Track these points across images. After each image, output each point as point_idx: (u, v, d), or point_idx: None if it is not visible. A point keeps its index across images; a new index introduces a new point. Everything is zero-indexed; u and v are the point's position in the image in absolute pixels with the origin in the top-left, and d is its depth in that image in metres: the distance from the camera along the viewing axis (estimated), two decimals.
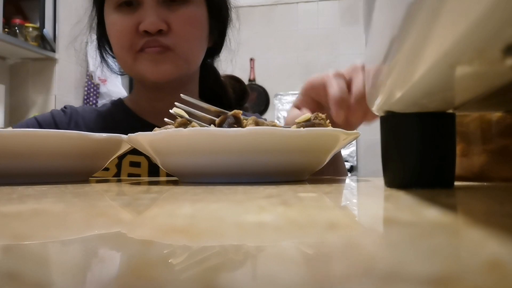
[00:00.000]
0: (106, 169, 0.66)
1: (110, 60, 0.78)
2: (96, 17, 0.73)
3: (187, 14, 0.65)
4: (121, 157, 0.67)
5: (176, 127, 0.40)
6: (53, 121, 0.72)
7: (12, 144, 0.40)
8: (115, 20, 0.66)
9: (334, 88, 0.50)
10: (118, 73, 0.81)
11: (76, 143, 0.42)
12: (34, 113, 2.33)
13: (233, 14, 0.76)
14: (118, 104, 0.77)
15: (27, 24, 2.21)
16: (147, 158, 0.67)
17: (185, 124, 0.40)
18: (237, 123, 0.39)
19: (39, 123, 0.71)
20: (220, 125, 0.40)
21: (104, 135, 0.44)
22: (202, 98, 0.76)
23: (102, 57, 0.77)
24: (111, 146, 0.46)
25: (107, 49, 0.76)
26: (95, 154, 0.45)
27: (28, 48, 2.16)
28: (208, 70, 0.78)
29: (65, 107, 0.76)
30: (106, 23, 0.69)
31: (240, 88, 0.83)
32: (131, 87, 3.06)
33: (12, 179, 0.41)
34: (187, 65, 0.68)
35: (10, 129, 0.41)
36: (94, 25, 0.74)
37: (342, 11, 2.92)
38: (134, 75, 0.70)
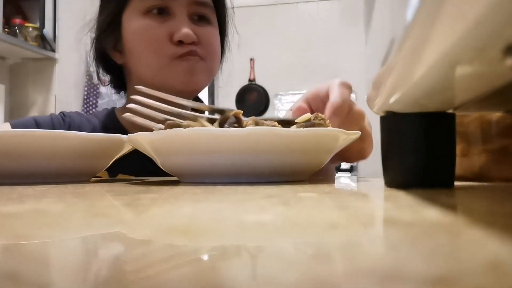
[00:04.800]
0: (110, 180, 0.66)
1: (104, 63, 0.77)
2: (109, 19, 0.72)
3: (210, 32, 0.71)
4: (112, 175, 0.67)
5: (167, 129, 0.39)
6: (52, 125, 0.72)
7: (11, 145, 0.40)
8: (146, 26, 0.67)
9: (336, 94, 0.50)
10: (106, 83, 0.81)
11: (75, 143, 0.42)
12: (34, 113, 2.33)
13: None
14: (111, 117, 0.76)
15: (27, 24, 2.21)
16: (137, 177, 0.67)
17: (176, 126, 0.40)
18: (238, 123, 0.39)
19: (37, 124, 0.71)
20: (221, 125, 0.40)
21: (104, 135, 0.44)
22: None
23: (99, 57, 0.76)
24: (112, 146, 0.46)
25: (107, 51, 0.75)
26: (96, 154, 0.45)
27: (28, 48, 2.16)
28: None
29: (63, 114, 0.75)
30: (132, 27, 0.69)
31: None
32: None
33: (12, 179, 0.41)
34: (211, 78, 0.72)
35: (8, 129, 0.41)
36: (103, 26, 0.73)
37: (342, 11, 2.91)
38: (161, 82, 0.68)
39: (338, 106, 0.49)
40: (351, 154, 0.56)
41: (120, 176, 0.67)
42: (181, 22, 0.67)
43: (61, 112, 0.76)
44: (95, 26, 0.75)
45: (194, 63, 0.68)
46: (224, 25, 0.78)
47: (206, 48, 0.69)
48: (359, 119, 0.52)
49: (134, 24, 0.69)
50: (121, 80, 0.78)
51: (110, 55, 0.74)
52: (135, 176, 0.67)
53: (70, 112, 0.77)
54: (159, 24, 0.67)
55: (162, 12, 0.68)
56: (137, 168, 0.66)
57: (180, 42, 0.67)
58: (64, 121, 0.74)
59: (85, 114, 0.78)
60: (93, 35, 0.75)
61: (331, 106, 0.49)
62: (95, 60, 0.77)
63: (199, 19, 0.70)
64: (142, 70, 0.70)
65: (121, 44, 0.71)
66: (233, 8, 0.80)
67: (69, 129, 0.73)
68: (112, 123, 0.75)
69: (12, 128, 0.67)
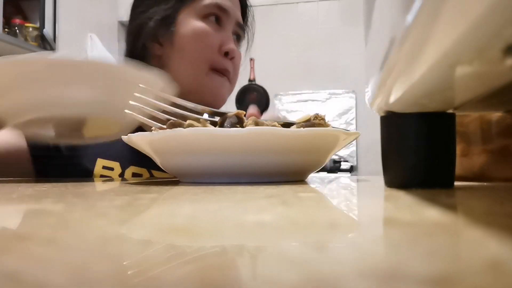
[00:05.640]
0: (111, 180, 0.67)
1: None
2: (166, 13, 0.74)
3: (239, 54, 0.79)
4: (124, 167, 0.68)
5: (169, 128, 0.39)
6: None
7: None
8: (205, 29, 0.72)
9: None
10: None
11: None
12: None
13: None
14: None
15: (27, 24, 2.21)
16: (149, 170, 0.68)
17: (178, 125, 0.40)
18: (240, 123, 0.39)
19: None
20: (221, 125, 0.40)
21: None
22: None
23: (135, 45, 0.76)
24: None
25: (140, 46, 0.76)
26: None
27: (28, 48, 2.16)
28: None
29: None
30: (190, 27, 0.72)
31: None
32: None
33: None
34: (228, 96, 0.78)
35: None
36: (155, 17, 0.74)
37: (342, 11, 2.91)
38: (195, 86, 0.72)
39: None
40: None
41: (131, 169, 0.68)
42: (229, 36, 0.75)
43: None
44: (140, 14, 0.76)
45: (224, 81, 0.75)
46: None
47: (235, 70, 0.77)
48: None
49: (193, 25, 0.73)
50: None
51: (146, 44, 0.75)
52: (147, 169, 0.68)
53: None
54: (214, 32, 0.73)
55: (216, 21, 0.74)
56: (148, 162, 0.66)
57: (225, 54, 0.73)
58: None
59: None
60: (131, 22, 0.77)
61: None
62: (130, 46, 0.78)
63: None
64: (183, 68, 0.73)
65: (167, 37, 0.74)
66: (253, 35, 0.87)
67: None
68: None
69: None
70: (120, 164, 0.68)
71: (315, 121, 0.41)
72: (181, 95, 0.73)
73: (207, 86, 0.73)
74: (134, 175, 0.68)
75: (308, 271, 0.09)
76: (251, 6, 0.83)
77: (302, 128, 0.37)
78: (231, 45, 0.73)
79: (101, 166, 0.67)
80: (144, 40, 0.75)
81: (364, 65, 0.31)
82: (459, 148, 0.38)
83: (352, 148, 2.76)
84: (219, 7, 0.74)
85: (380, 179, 0.35)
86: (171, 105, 0.43)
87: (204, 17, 0.73)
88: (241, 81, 0.87)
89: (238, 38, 0.79)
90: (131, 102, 0.45)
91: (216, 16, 0.74)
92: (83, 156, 0.67)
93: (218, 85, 0.74)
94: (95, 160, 0.67)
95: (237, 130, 0.35)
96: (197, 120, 0.41)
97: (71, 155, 0.67)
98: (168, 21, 0.74)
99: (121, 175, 0.68)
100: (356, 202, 0.26)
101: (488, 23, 0.11)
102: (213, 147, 0.36)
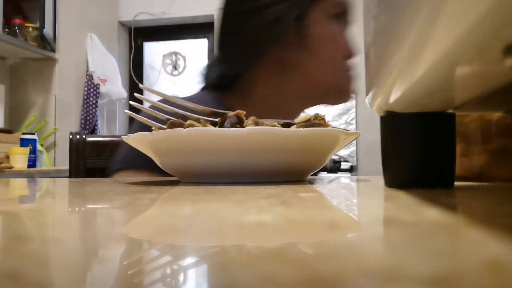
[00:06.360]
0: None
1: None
2: (297, 12, 0.68)
3: None
4: (135, 169, 0.66)
5: (169, 128, 0.39)
6: None
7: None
8: (339, 33, 0.71)
9: None
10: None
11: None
12: (34, 113, 2.33)
13: None
14: (217, 101, 0.69)
15: (27, 24, 2.21)
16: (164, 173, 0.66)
17: (178, 125, 0.40)
18: (240, 123, 0.39)
19: None
20: (221, 125, 0.40)
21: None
22: None
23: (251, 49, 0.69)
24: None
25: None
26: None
27: (28, 48, 2.16)
28: None
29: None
30: (323, 31, 0.70)
31: None
32: (131, 87, 3.06)
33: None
34: None
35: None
36: (286, 17, 0.67)
37: None
38: (334, 88, 0.72)
39: None
40: None
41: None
42: (350, 37, 0.72)
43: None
44: (262, 13, 0.67)
45: (353, 79, 0.74)
46: None
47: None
48: None
49: (327, 27, 0.70)
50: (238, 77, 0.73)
51: (266, 46, 0.68)
52: (158, 172, 0.65)
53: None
54: (341, 34, 0.71)
55: (343, 16, 0.72)
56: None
57: (347, 57, 0.72)
58: None
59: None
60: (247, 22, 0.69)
61: None
62: (244, 49, 0.70)
63: None
64: (322, 72, 0.71)
65: (297, 39, 0.68)
66: None
67: None
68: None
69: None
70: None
71: (315, 121, 0.41)
72: (315, 97, 0.72)
73: (345, 87, 0.73)
74: None
75: (308, 271, 0.09)
76: None
77: (302, 128, 0.37)
78: (354, 46, 0.72)
79: None
80: (267, 41, 0.67)
81: (364, 65, 0.31)
82: (459, 148, 0.38)
83: (352, 148, 2.76)
84: (346, 6, 0.72)
85: (380, 179, 0.35)
86: (171, 105, 0.43)
87: (332, 17, 0.70)
88: None
89: None
90: (131, 102, 0.45)
91: (340, 15, 0.71)
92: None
93: (352, 84, 0.74)
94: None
95: (237, 130, 0.35)
96: (197, 120, 0.41)
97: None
98: (301, 22, 0.67)
99: None
100: (356, 202, 0.26)
101: (488, 23, 0.11)
102: (213, 147, 0.36)
